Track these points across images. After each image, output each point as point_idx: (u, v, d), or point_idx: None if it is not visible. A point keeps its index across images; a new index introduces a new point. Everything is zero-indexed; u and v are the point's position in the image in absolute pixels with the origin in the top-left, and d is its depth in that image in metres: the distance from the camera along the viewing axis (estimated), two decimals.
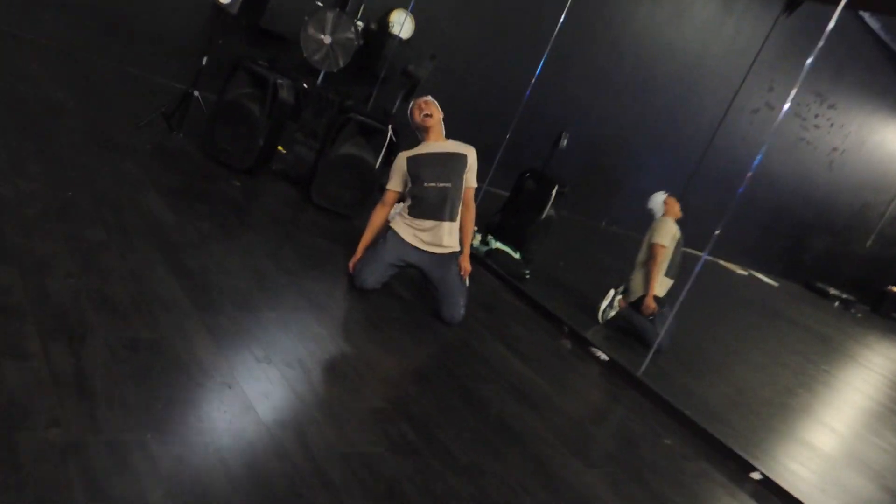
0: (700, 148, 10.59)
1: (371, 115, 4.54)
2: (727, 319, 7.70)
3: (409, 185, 3.52)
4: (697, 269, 3.77)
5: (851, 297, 14.05)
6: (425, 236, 3.50)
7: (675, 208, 4.79)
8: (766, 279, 12.88)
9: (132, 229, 2.92)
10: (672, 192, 4.90)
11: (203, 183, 3.99)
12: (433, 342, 3.25)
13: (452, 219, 3.52)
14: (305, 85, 5.41)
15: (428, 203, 3.48)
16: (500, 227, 5.68)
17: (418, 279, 3.70)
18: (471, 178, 3.61)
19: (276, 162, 4.89)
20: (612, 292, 4.71)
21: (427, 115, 3.55)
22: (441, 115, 3.61)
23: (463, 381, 2.92)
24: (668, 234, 4.61)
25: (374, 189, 4.43)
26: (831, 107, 12.18)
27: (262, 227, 3.74)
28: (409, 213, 3.53)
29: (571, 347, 3.99)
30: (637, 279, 4.74)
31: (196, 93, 4.65)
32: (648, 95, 9.38)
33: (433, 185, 3.46)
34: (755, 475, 3.19)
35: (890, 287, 14.83)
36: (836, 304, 13.76)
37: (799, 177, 12.64)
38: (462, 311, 3.52)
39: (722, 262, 11.95)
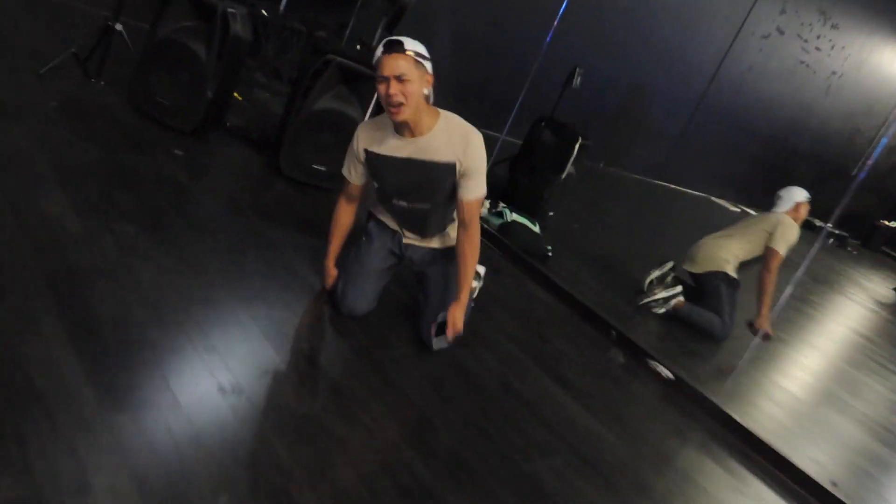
0: (706, 79, 9.64)
1: (355, 56, 3.45)
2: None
3: (373, 183, 2.48)
4: (815, 249, 2.92)
5: (844, 233, 13.57)
6: (408, 232, 2.55)
7: (804, 216, 4.06)
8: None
9: (7, 248, 1.90)
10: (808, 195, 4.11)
11: (130, 156, 2.92)
12: (462, 390, 2.32)
13: (442, 230, 2.55)
14: (265, 13, 4.29)
15: (400, 219, 2.52)
16: (510, 189, 4.71)
17: (414, 278, 2.73)
18: (468, 190, 2.32)
19: (232, 116, 3.81)
20: (678, 289, 3.83)
21: (398, 105, 2.14)
22: (428, 86, 2.21)
23: (517, 462, 2.02)
24: (790, 243, 3.85)
25: None
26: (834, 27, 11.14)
27: (214, 222, 2.71)
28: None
29: (625, 361, 3.11)
30: (713, 250, 3.95)
31: (119, 26, 3.50)
32: (650, 22, 8.24)
33: (403, 203, 2.42)
34: None
35: (881, 221, 14.40)
36: (831, 240, 13.27)
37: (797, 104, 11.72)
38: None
39: (714, 199, 11.13)
